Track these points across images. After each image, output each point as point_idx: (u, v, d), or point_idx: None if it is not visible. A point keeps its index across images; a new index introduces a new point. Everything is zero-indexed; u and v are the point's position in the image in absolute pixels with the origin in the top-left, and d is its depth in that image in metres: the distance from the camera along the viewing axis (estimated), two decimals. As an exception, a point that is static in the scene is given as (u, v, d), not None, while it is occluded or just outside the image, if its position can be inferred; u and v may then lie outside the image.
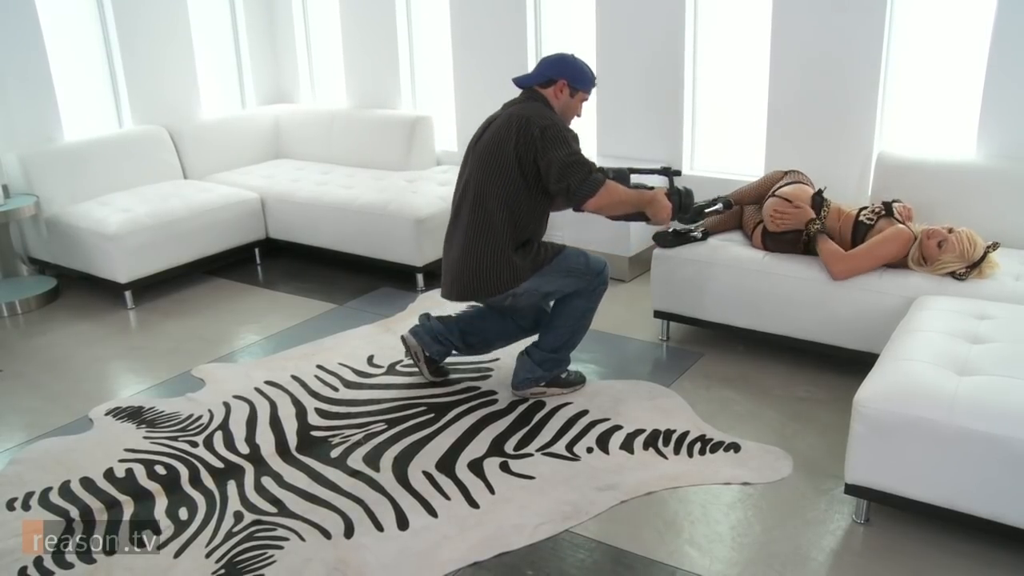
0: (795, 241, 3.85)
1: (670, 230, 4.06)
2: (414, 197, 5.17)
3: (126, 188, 5.52)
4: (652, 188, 3.46)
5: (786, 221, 3.84)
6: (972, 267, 3.53)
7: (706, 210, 3.96)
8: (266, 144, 6.47)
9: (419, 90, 6.30)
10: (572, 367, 3.88)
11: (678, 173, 3.57)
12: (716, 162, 5.20)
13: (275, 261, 5.79)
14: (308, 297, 5.08)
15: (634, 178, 3.58)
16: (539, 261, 3.43)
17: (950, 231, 3.60)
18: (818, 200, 3.89)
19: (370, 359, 4.18)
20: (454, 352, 3.84)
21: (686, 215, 3.56)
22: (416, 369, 3.95)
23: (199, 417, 3.71)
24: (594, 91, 3.63)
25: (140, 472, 3.33)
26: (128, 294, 5.02)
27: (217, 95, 6.51)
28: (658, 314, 4.23)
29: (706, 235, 4.09)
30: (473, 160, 3.42)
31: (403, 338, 3.85)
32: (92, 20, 5.68)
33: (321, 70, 6.77)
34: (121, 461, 3.41)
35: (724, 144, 5.15)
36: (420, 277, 5.12)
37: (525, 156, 3.27)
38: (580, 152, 3.29)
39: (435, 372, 3.86)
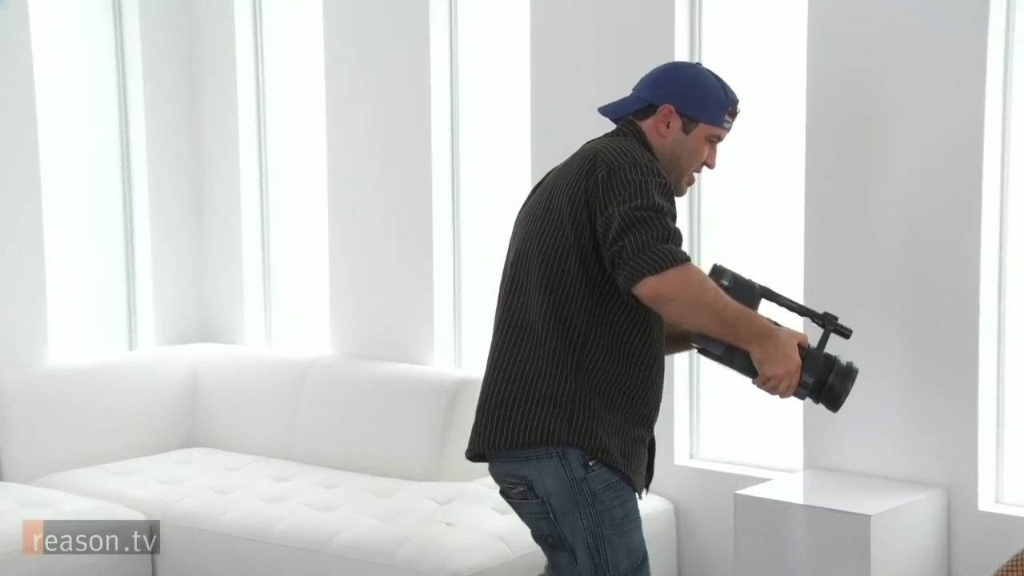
0: None
1: None
2: (450, 534, 3.86)
3: None
4: (779, 326, 2.68)
5: None
6: None
7: None
8: (170, 418, 4.79)
9: (467, 337, 4.71)
10: None
11: (846, 334, 2.70)
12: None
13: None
14: None
15: (768, 311, 2.74)
16: (598, 448, 2.53)
17: None
18: None
19: None
20: None
21: (830, 403, 2.63)
22: None
23: None
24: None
25: None
26: None
27: (84, 325, 4.93)
28: None
29: None
30: (516, 233, 2.73)
31: None
32: None
33: (281, 287, 5.13)
34: None
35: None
36: None
37: (581, 214, 2.46)
38: (665, 211, 2.37)
39: None
